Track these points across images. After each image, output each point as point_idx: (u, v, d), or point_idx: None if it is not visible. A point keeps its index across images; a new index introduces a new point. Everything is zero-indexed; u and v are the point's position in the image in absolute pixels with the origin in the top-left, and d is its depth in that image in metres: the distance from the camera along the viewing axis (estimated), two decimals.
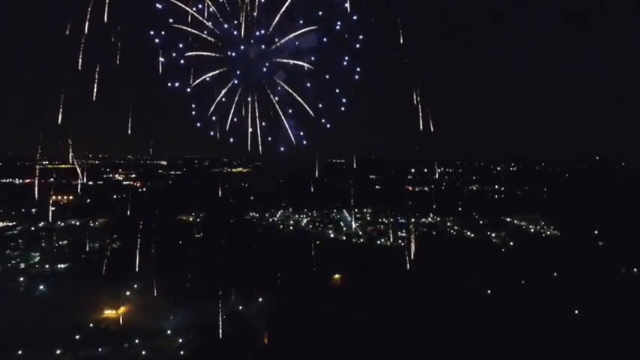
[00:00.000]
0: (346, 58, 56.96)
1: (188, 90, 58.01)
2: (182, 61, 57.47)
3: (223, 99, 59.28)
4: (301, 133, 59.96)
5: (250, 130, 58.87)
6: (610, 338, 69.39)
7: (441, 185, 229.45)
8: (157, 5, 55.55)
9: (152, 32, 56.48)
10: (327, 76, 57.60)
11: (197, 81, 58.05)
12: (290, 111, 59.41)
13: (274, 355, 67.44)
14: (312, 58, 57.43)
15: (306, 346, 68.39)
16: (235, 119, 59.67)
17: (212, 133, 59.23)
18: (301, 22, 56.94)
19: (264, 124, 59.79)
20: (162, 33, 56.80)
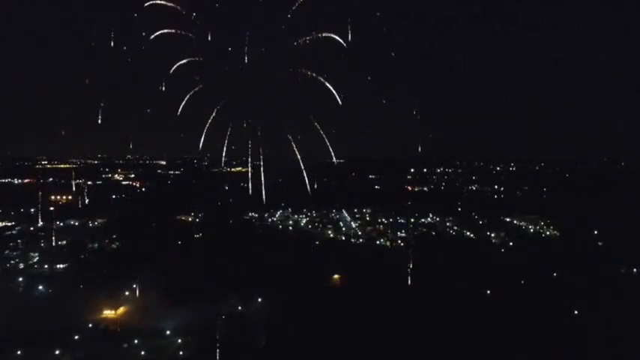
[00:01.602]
0: (369, 78, 54.85)
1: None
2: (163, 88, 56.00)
3: (218, 118, 58.15)
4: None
5: (251, 171, 57.76)
6: (610, 338, 69.24)
7: (441, 185, 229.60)
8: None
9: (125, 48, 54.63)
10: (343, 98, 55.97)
11: (182, 103, 56.88)
12: (299, 137, 58.25)
13: (273, 356, 67.28)
14: (325, 75, 56.38)
15: (305, 346, 68.26)
16: (233, 147, 58.73)
17: (205, 163, 58.20)
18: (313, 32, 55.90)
19: (267, 151, 58.83)
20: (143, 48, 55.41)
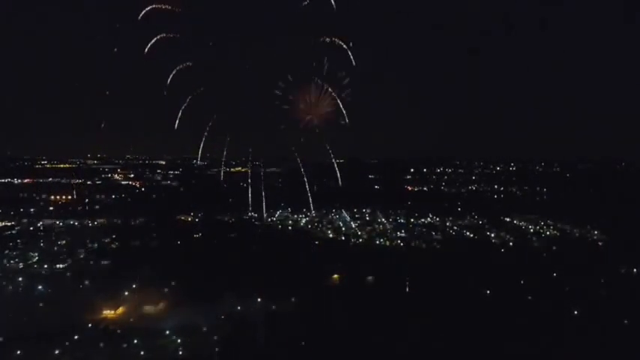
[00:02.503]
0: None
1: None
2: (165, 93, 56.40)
3: (219, 121, 58.38)
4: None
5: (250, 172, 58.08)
6: (610, 338, 69.22)
7: (441, 185, 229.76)
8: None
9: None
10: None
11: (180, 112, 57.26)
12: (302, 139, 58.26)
13: (273, 356, 67.26)
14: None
15: (304, 346, 68.23)
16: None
17: (205, 163, 58.31)
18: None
19: (266, 151, 58.95)
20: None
